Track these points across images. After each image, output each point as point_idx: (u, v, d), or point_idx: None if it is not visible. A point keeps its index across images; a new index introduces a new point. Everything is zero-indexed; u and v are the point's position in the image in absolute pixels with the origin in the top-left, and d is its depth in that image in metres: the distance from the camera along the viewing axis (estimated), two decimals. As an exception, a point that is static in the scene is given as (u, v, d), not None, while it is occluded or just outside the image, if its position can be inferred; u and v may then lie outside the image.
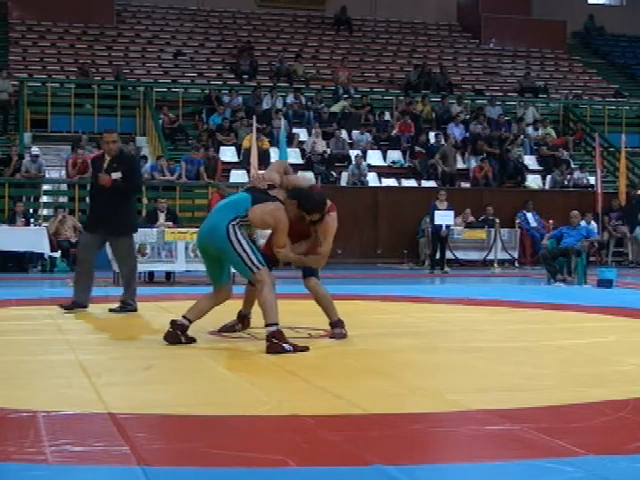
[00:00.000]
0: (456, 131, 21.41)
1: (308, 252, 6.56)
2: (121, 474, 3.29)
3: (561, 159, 21.03)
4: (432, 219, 16.17)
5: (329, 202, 6.49)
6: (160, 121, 19.99)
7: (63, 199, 17.70)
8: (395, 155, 20.67)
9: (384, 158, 20.66)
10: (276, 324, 6.03)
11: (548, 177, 20.61)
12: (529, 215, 18.49)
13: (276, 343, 5.96)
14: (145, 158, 17.98)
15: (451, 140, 20.27)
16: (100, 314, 8.43)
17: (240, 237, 6.14)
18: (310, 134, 20.34)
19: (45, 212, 17.57)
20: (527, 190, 20.00)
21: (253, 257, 6.15)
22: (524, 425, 3.95)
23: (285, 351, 5.91)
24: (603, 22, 30.43)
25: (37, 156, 17.21)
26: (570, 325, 7.91)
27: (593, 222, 17.28)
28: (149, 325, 7.38)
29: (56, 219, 15.67)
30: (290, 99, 21.96)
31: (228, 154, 19.59)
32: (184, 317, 6.33)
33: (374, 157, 20.52)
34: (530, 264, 17.71)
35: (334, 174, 19.35)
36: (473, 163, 20.56)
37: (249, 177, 17.71)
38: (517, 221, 18.36)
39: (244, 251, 6.13)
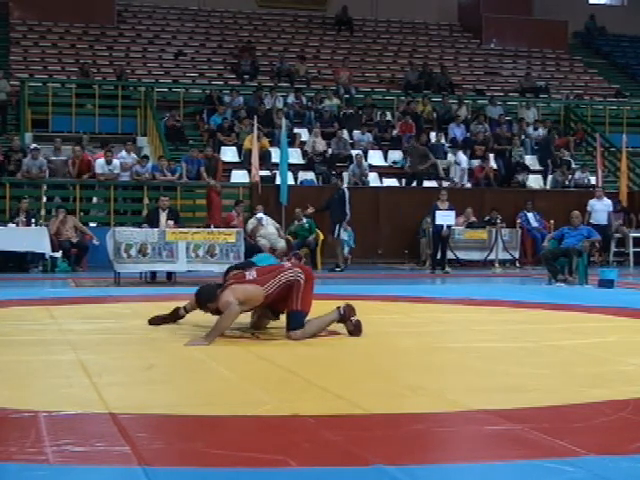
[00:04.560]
0: (457, 131, 21.38)
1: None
2: (122, 474, 3.30)
3: (562, 159, 21.01)
4: (433, 219, 16.14)
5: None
6: (164, 120, 19.95)
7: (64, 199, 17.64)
8: (396, 155, 20.64)
9: (385, 158, 20.63)
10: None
11: (549, 177, 20.58)
12: (530, 215, 18.46)
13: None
14: (147, 158, 17.97)
15: (421, 140, 19.94)
16: (101, 314, 8.43)
17: None
18: (311, 134, 20.32)
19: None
20: (528, 190, 19.98)
21: None
22: (525, 425, 3.95)
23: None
24: (604, 22, 30.40)
25: (37, 150, 17.11)
26: (571, 325, 7.91)
27: (594, 222, 17.26)
28: (150, 325, 7.37)
29: (57, 219, 15.64)
30: (291, 99, 21.95)
31: (229, 154, 19.57)
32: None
33: (375, 157, 20.49)
34: (531, 264, 17.69)
35: (335, 174, 19.32)
36: (475, 163, 20.53)
37: (250, 177, 17.73)
38: (518, 221, 18.33)
39: None
